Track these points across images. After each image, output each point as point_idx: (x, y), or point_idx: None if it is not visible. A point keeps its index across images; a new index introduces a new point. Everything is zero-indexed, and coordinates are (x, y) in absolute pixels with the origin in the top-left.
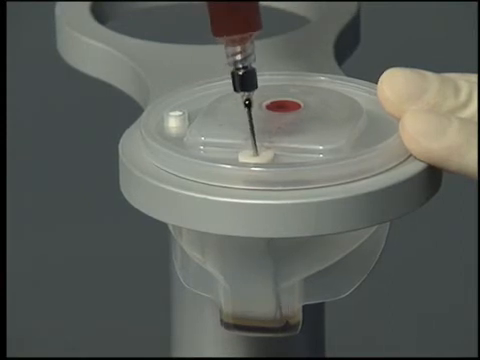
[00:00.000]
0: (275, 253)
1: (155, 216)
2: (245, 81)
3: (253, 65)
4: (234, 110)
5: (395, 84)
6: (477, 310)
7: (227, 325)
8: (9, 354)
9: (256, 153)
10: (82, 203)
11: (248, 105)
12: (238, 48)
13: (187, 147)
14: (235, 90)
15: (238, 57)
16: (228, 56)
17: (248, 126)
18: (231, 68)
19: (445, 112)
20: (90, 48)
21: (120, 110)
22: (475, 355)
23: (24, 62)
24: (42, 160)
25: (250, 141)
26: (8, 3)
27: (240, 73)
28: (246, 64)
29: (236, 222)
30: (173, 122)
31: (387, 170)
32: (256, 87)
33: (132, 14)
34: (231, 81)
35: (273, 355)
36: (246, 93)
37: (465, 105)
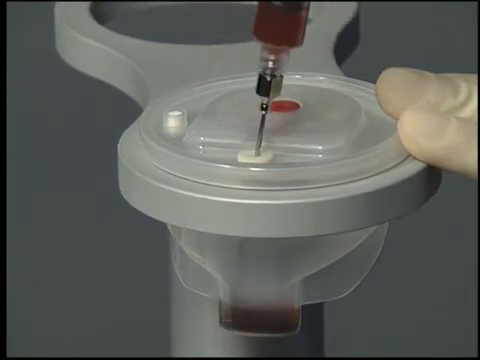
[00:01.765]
0: (275, 253)
1: (154, 216)
2: (271, 88)
3: (283, 74)
4: (233, 110)
5: (394, 84)
6: (477, 310)
7: (226, 325)
8: (9, 354)
9: (258, 153)
10: (81, 203)
11: (265, 109)
12: (272, 56)
13: (186, 147)
14: (257, 92)
15: (270, 64)
16: (261, 59)
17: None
18: (260, 70)
19: (444, 112)
20: (89, 48)
21: (119, 110)
22: (475, 355)
23: (23, 62)
24: (41, 160)
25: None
26: (8, 3)
27: (268, 79)
28: (275, 73)
29: (235, 222)
30: (172, 122)
31: (386, 170)
32: (279, 94)
33: (131, 14)
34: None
35: (272, 355)
36: (267, 99)
37: (464, 105)
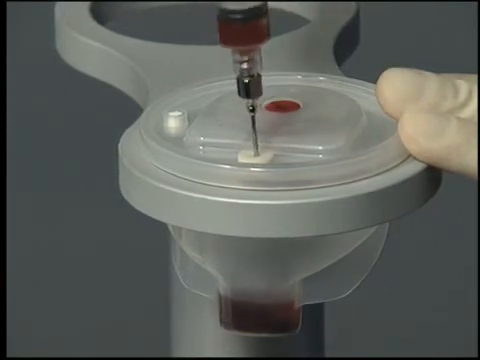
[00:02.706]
0: (275, 253)
1: (154, 216)
2: (250, 89)
3: (260, 72)
4: (234, 110)
5: (394, 84)
6: (477, 310)
7: (226, 325)
8: (9, 354)
9: (257, 153)
10: (81, 203)
11: (252, 110)
12: (245, 57)
13: (186, 147)
14: (239, 95)
15: (244, 66)
16: (235, 62)
17: (248, 127)
18: (236, 73)
19: (444, 112)
20: (89, 48)
21: (120, 110)
22: (475, 355)
23: (23, 62)
24: (41, 160)
25: (249, 141)
26: (8, 3)
27: (246, 81)
28: (252, 73)
29: (235, 222)
30: (172, 122)
31: (387, 170)
32: (261, 94)
33: (131, 14)
34: (236, 85)
35: (272, 355)
36: (251, 100)
37: (464, 105)
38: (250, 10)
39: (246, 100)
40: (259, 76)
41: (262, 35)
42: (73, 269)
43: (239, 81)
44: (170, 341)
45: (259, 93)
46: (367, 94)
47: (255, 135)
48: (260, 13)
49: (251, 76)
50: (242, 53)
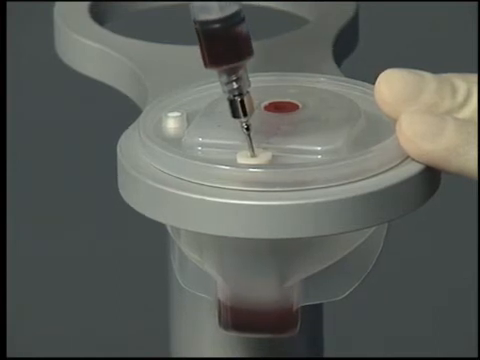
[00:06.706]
0: (274, 254)
1: (153, 217)
2: (244, 107)
3: (248, 88)
4: None
5: (392, 85)
6: (477, 310)
7: (225, 325)
8: (9, 354)
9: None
10: (81, 203)
11: (248, 129)
12: (233, 76)
13: (185, 148)
14: (234, 117)
15: (234, 85)
16: (223, 84)
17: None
18: (227, 95)
19: (442, 112)
20: (88, 49)
21: (119, 111)
22: (475, 355)
23: (22, 62)
24: (42, 160)
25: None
26: (8, 3)
27: (238, 100)
28: (242, 91)
29: (234, 223)
30: (171, 123)
31: (385, 171)
32: (253, 110)
33: (131, 15)
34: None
35: (272, 355)
36: (245, 118)
37: (463, 105)
38: (228, 18)
39: (240, 120)
40: (248, 92)
41: (248, 46)
42: (72, 269)
43: (232, 102)
44: (169, 341)
45: (252, 110)
46: (366, 95)
47: (252, 146)
48: (238, 20)
49: (241, 94)
50: (230, 73)
